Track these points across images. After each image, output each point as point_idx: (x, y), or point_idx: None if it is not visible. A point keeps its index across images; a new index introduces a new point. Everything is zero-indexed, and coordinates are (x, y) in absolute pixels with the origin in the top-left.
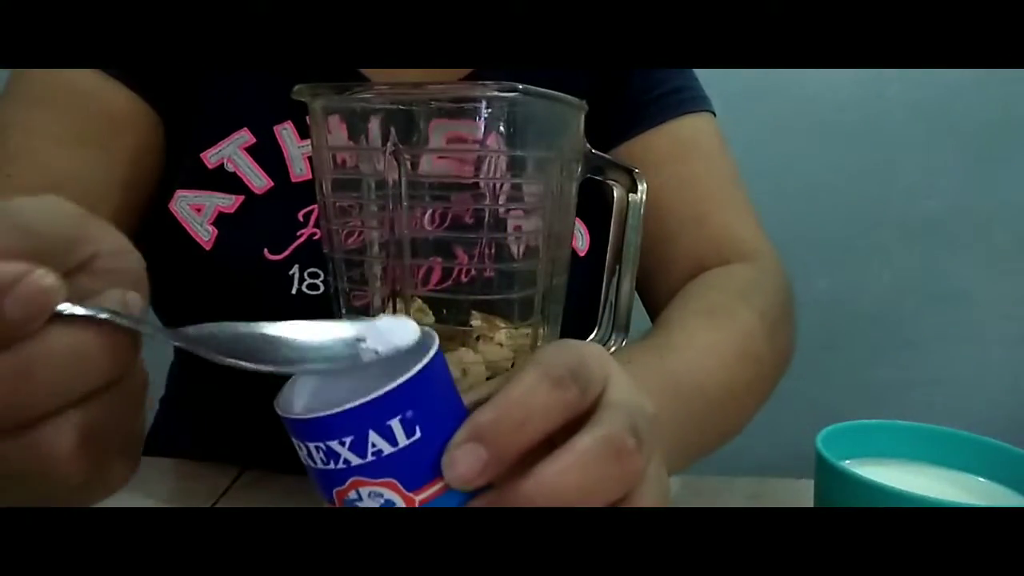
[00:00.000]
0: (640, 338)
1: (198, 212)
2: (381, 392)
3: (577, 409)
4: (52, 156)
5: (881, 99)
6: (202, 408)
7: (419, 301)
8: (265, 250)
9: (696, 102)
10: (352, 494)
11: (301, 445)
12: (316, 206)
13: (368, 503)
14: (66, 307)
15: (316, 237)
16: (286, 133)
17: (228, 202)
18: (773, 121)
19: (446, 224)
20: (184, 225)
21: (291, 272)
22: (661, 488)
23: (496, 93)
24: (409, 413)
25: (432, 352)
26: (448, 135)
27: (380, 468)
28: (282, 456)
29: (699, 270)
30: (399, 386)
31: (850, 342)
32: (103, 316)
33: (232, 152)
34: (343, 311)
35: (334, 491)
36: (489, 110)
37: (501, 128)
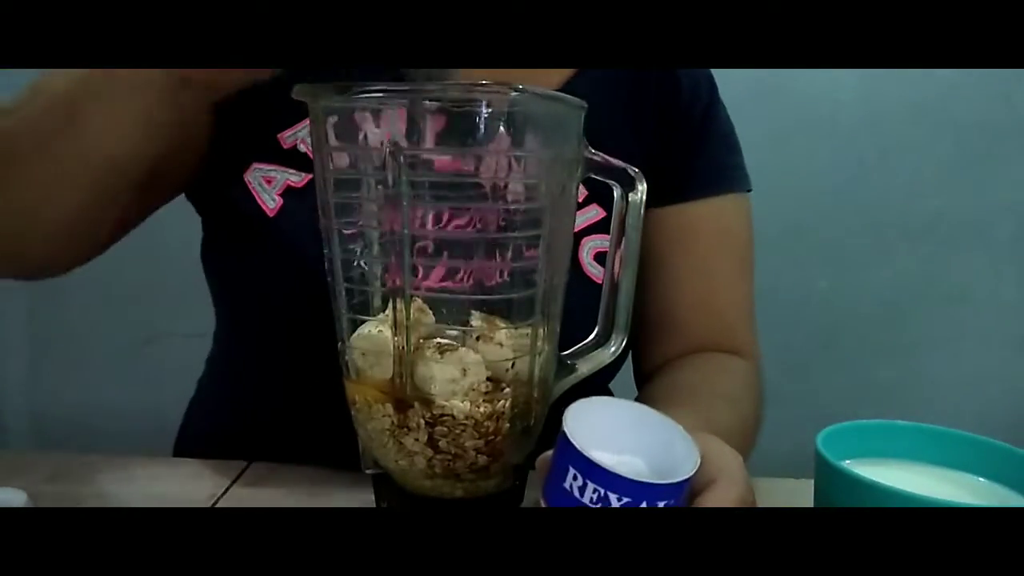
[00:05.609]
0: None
1: (268, 183)
2: (672, 483)
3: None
4: None
5: (881, 99)
6: (219, 404)
7: (419, 301)
8: None
9: (742, 182)
10: None
11: (578, 477)
12: None
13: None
14: None
15: None
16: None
17: (298, 178)
18: (773, 121)
19: (446, 224)
20: (254, 194)
21: None
22: None
23: (496, 93)
24: (670, 500)
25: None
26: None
27: None
28: (287, 450)
29: (698, 350)
30: (676, 483)
31: (850, 342)
32: None
33: (306, 135)
34: (343, 311)
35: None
36: (489, 110)
37: (501, 128)
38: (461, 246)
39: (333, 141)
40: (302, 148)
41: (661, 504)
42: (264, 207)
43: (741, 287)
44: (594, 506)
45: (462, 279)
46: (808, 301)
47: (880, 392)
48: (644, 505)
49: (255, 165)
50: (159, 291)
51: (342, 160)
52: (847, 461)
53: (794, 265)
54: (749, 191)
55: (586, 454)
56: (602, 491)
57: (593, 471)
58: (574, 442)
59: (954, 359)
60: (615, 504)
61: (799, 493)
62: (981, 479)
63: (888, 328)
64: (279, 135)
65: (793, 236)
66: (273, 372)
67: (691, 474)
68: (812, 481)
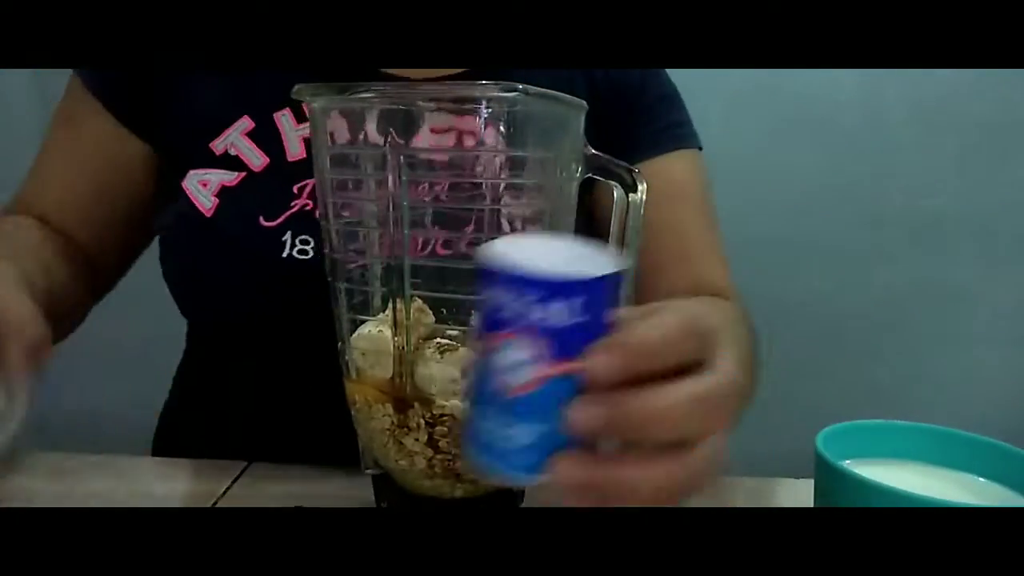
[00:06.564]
0: None
1: (204, 186)
2: (583, 278)
3: (692, 360)
4: (64, 178)
5: (881, 99)
6: (212, 405)
7: (419, 301)
8: (260, 217)
9: (690, 139)
10: (504, 348)
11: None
12: (309, 181)
13: (513, 355)
14: None
15: (308, 208)
16: (284, 119)
17: (231, 177)
18: (773, 121)
19: (445, 224)
20: (190, 197)
21: (283, 238)
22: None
23: (496, 93)
24: (586, 301)
25: (618, 270)
26: (448, 135)
27: (544, 333)
28: (286, 450)
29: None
30: (595, 279)
31: (850, 342)
32: None
33: (235, 139)
34: (344, 310)
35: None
36: (489, 110)
37: (501, 128)
38: (460, 245)
39: (332, 141)
40: (232, 152)
41: (579, 300)
42: (201, 208)
43: (708, 235)
44: (501, 316)
45: (461, 280)
46: (808, 301)
47: (880, 392)
48: (556, 305)
49: (191, 172)
50: (159, 292)
51: (341, 160)
52: (847, 461)
53: (794, 265)
54: (700, 148)
55: (497, 266)
56: (513, 295)
57: (497, 280)
58: (494, 261)
59: (954, 359)
60: (533, 317)
61: (799, 493)
62: (981, 479)
63: (888, 328)
64: (210, 144)
65: (793, 236)
66: (242, 372)
67: (607, 272)
68: (812, 481)
